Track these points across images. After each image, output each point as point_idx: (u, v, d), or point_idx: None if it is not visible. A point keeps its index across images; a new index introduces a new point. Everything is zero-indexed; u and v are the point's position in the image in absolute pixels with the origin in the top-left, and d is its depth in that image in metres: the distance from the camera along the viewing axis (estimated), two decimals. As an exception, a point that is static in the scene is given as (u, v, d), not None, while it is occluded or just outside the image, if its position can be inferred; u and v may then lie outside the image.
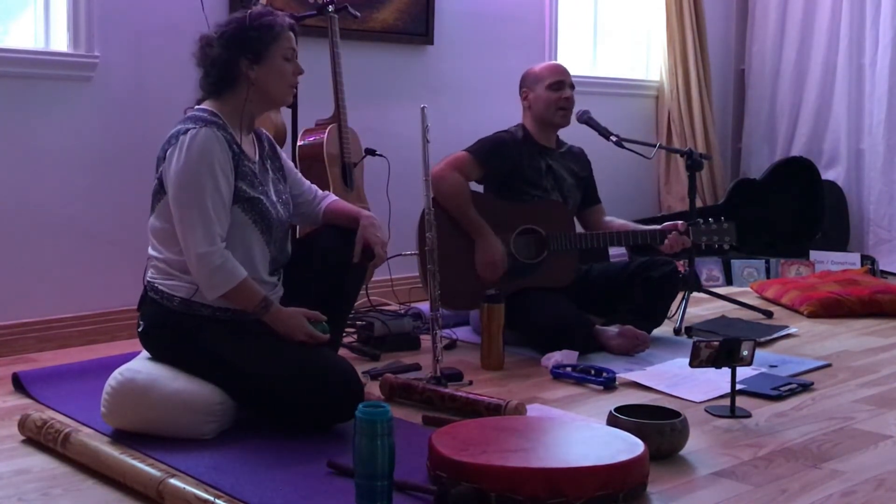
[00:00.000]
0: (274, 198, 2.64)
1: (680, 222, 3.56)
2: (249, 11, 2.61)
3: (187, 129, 2.49)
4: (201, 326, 2.51)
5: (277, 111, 3.38)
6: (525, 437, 2.21)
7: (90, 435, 2.37)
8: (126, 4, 3.58)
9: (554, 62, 3.93)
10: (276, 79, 2.61)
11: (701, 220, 3.63)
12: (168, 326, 2.53)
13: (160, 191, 2.53)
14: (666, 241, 3.51)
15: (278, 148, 2.83)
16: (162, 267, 2.55)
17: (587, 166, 3.80)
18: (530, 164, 3.59)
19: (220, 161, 2.47)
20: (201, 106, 2.61)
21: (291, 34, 2.64)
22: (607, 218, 3.79)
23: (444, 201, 3.45)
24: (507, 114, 3.76)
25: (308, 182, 2.89)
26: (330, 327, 2.59)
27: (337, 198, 2.90)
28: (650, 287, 3.54)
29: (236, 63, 2.56)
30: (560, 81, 3.61)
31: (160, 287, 2.54)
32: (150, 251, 2.60)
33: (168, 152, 2.50)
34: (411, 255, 3.60)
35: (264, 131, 2.81)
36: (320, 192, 2.90)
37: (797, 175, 5.35)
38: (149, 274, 2.60)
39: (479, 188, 3.66)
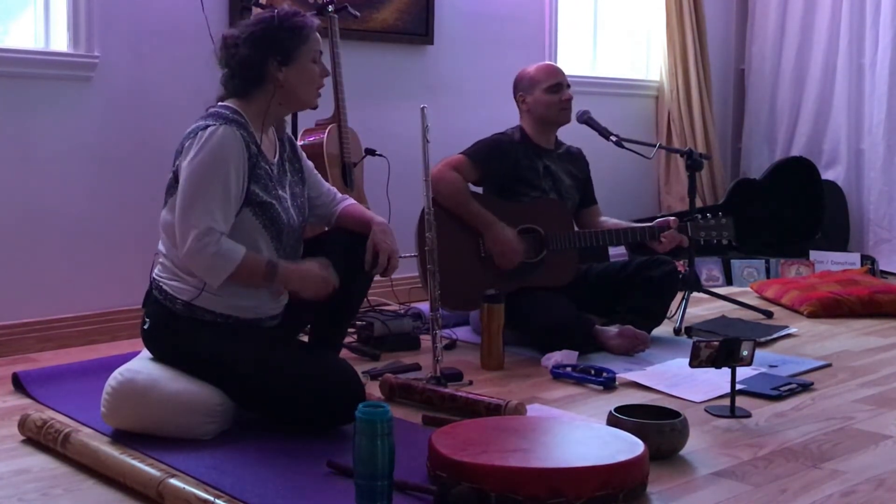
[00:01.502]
0: (288, 202, 2.61)
1: (672, 218, 3.56)
2: (277, 11, 2.58)
3: (207, 126, 2.47)
4: (203, 330, 2.50)
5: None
6: (525, 437, 2.21)
7: (90, 435, 2.37)
8: (126, 4, 3.58)
9: (546, 63, 3.82)
10: (304, 81, 2.59)
11: (699, 216, 3.63)
12: (170, 328, 2.52)
13: (174, 184, 2.51)
14: (662, 240, 3.51)
15: (300, 150, 2.79)
16: (168, 265, 2.54)
17: (585, 167, 3.80)
18: (528, 166, 3.59)
19: (235, 160, 2.45)
20: (225, 103, 2.58)
21: (318, 35, 2.62)
22: (602, 218, 3.78)
23: (445, 200, 3.44)
24: (507, 114, 3.76)
25: (328, 185, 2.86)
26: (333, 330, 2.58)
27: (355, 202, 2.86)
28: (650, 287, 3.54)
29: (265, 64, 2.54)
30: (558, 83, 3.60)
31: (164, 287, 2.53)
32: (160, 246, 2.59)
33: (186, 145, 2.48)
34: (411, 256, 3.59)
35: (288, 134, 2.77)
36: (339, 194, 2.86)
37: (797, 175, 5.34)
38: (156, 270, 2.59)
39: (477, 191, 3.65)
